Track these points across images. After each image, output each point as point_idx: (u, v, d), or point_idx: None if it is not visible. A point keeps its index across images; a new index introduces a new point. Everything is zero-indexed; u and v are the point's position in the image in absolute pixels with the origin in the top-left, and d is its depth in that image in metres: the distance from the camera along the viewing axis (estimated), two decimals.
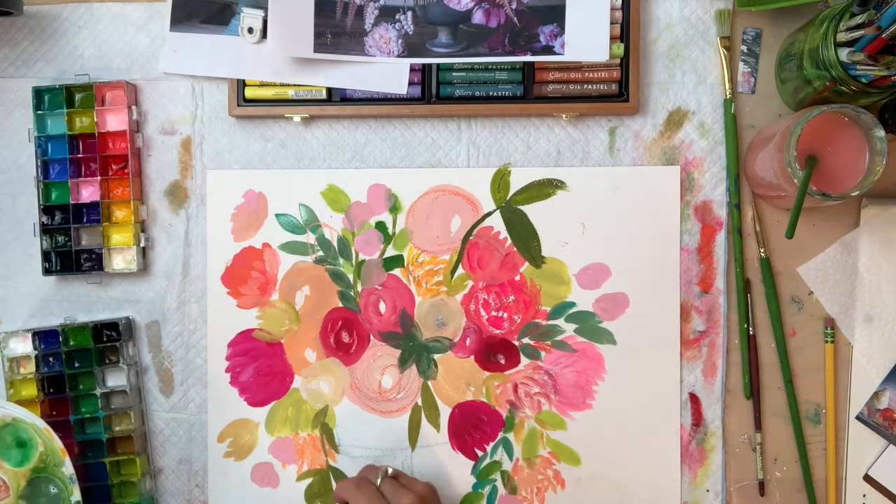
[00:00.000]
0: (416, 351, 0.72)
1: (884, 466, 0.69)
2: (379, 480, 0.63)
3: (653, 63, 0.71)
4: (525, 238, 0.71)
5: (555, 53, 0.69)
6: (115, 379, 0.72)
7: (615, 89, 0.70)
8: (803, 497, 0.70)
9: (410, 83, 0.70)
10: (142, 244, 0.72)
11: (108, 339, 0.71)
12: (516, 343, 0.71)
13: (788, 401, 0.70)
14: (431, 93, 0.70)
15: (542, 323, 0.71)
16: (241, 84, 0.71)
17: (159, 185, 0.73)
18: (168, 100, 0.73)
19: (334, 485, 0.72)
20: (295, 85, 0.70)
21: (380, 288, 0.72)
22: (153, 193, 0.73)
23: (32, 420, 0.64)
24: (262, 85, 0.71)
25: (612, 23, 0.68)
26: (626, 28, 0.69)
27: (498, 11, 0.69)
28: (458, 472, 0.72)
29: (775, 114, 0.70)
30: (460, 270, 0.71)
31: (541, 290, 0.71)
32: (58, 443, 0.64)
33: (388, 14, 0.69)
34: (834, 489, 0.69)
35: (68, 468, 0.64)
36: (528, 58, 0.69)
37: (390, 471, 0.64)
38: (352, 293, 0.72)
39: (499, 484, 0.71)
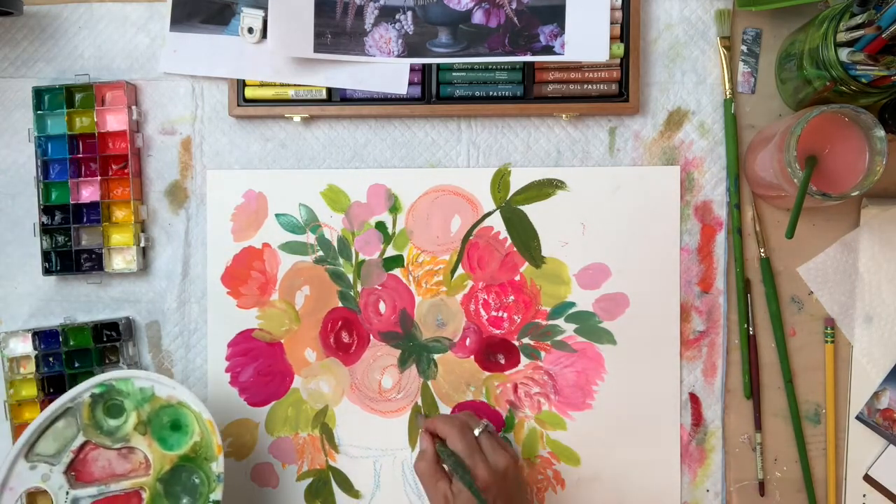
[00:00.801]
0: (415, 351, 0.72)
1: (884, 466, 0.69)
2: (478, 431, 0.63)
3: (653, 63, 0.71)
4: (525, 238, 0.71)
5: (555, 53, 0.69)
6: None
7: (615, 89, 0.70)
8: (803, 497, 0.70)
9: (410, 83, 0.70)
10: (142, 244, 0.72)
11: (108, 339, 0.71)
12: (516, 343, 0.71)
13: (788, 401, 0.70)
14: (431, 93, 0.70)
15: (542, 323, 0.71)
16: (241, 84, 0.71)
17: (159, 185, 0.73)
18: (168, 100, 0.73)
19: (334, 485, 0.72)
20: (295, 85, 0.70)
21: (380, 288, 0.72)
22: (153, 193, 0.73)
23: (199, 408, 0.63)
24: (262, 85, 0.71)
25: (612, 23, 0.68)
26: (626, 28, 0.69)
27: (498, 11, 0.69)
28: None
29: (775, 114, 0.70)
30: (460, 270, 0.71)
31: (541, 290, 0.71)
32: (217, 438, 0.63)
33: (388, 14, 0.69)
34: (833, 489, 0.69)
35: (219, 466, 0.63)
36: (528, 58, 0.69)
37: (490, 427, 0.64)
38: (352, 293, 0.72)
39: None
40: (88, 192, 0.72)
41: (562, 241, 0.71)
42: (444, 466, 0.62)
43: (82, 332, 0.71)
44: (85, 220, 0.71)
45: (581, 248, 0.71)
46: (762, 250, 0.70)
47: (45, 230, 0.71)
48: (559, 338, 0.71)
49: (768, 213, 0.70)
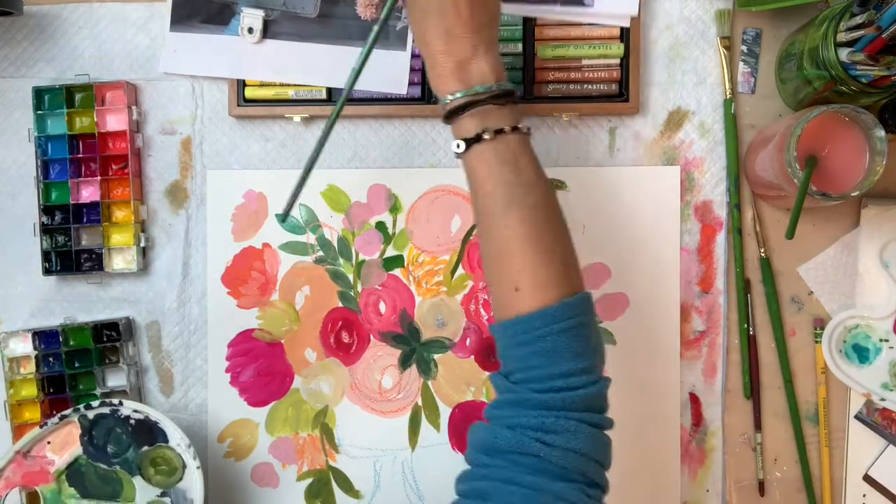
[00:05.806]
0: (416, 351, 0.72)
1: (884, 466, 0.69)
2: None
3: (653, 63, 0.71)
4: None
5: (584, 5, 0.68)
6: (115, 379, 0.72)
7: (615, 89, 0.70)
8: (803, 497, 0.70)
9: (410, 83, 0.70)
10: (142, 244, 0.72)
11: (108, 339, 0.71)
12: None
13: (788, 401, 0.70)
14: (432, 93, 0.70)
15: None
16: (241, 84, 0.71)
17: (159, 185, 0.73)
18: (168, 100, 0.73)
19: (334, 485, 0.72)
20: (295, 85, 0.70)
21: (380, 288, 0.72)
22: (153, 193, 0.73)
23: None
24: (262, 85, 0.71)
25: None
26: (627, 28, 0.69)
27: None
28: (458, 472, 0.71)
29: (775, 114, 0.70)
30: (460, 270, 0.71)
31: None
32: None
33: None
34: (829, 489, 0.69)
35: None
36: (557, 7, 0.68)
37: None
38: (352, 293, 0.72)
39: None
40: (88, 192, 0.71)
41: None
42: None
43: (82, 332, 0.71)
44: (85, 220, 0.71)
45: (581, 248, 0.70)
46: (762, 250, 0.70)
47: (45, 230, 0.71)
48: None
49: (768, 213, 0.70)
